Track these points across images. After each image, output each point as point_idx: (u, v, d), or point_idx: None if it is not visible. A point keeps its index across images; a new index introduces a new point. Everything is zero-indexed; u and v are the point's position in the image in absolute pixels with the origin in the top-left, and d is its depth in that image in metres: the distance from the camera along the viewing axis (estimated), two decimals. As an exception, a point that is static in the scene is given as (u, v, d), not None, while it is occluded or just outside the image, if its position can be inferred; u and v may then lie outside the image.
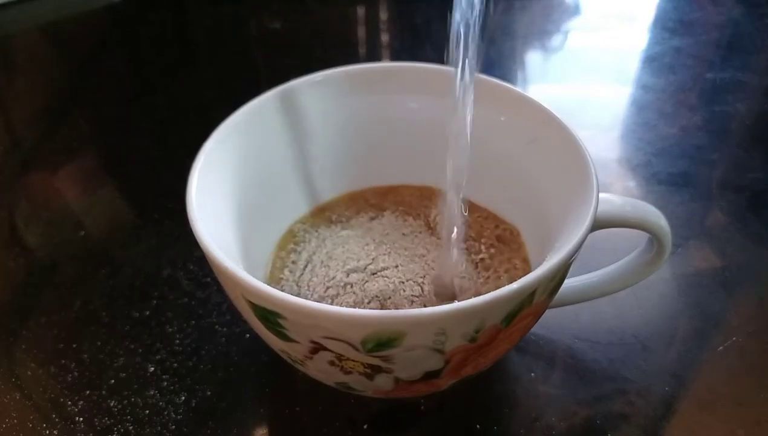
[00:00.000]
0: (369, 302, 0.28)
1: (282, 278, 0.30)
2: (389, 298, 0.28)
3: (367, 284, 0.28)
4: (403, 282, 0.29)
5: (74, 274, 0.36)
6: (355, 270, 0.29)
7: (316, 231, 0.32)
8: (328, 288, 0.28)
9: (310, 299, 0.28)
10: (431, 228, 0.32)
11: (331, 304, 0.28)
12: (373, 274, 0.29)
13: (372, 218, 0.33)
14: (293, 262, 0.31)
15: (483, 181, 0.33)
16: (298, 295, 0.29)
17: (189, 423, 0.28)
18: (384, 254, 0.30)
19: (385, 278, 0.29)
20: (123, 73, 0.60)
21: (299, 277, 0.30)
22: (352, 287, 0.28)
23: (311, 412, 0.29)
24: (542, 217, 0.29)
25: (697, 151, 0.45)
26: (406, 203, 0.34)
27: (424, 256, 0.30)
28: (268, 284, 0.21)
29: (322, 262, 0.30)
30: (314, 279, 0.29)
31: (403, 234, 0.31)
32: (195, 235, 0.23)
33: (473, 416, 0.28)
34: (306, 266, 0.30)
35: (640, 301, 0.33)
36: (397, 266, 0.29)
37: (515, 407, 0.29)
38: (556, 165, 0.28)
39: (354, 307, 0.27)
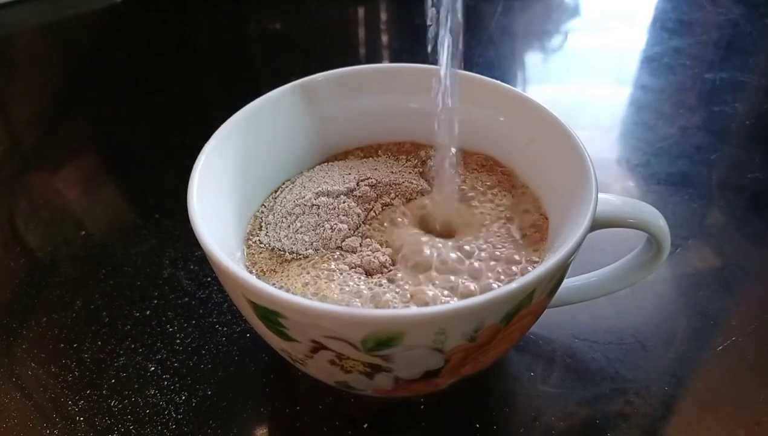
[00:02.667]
0: (331, 229, 0.28)
1: (267, 199, 0.30)
2: (357, 229, 0.28)
3: (333, 209, 0.28)
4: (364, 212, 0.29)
5: (74, 274, 0.36)
6: (325, 194, 0.29)
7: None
8: (296, 206, 0.29)
9: (277, 215, 0.28)
10: (423, 171, 0.32)
11: (294, 221, 0.28)
12: (343, 202, 0.29)
13: (365, 156, 0.33)
14: (280, 188, 0.31)
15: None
16: (271, 209, 0.29)
17: (189, 423, 0.28)
18: (367, 186, 0.30)
19: (350, 205, 0.29)
20: (123, 73, 0.60)
21: (278, 194, 0.30)
22: (318, 208, 0.28)
23: (311, 412, 0.29)
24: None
25: (696, 151, 0.45)
26: (403, 151, 0.34)
27: (405, 185, 0.30)
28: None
29: (302, 183, 0.30)
30: (287, 196, 0.30)
31: (392, 172, 0.31)
32: (196, 234, 0.23)
33: (473, 416, 0.29)
34: (288, 187, 0.31)
35: (639, 301, 0.34)
36: (370, 196, 0.29)
37: (515, 407, 0.29)
38: (555, 165, 0.28)
39: (314, 228, 0.28)
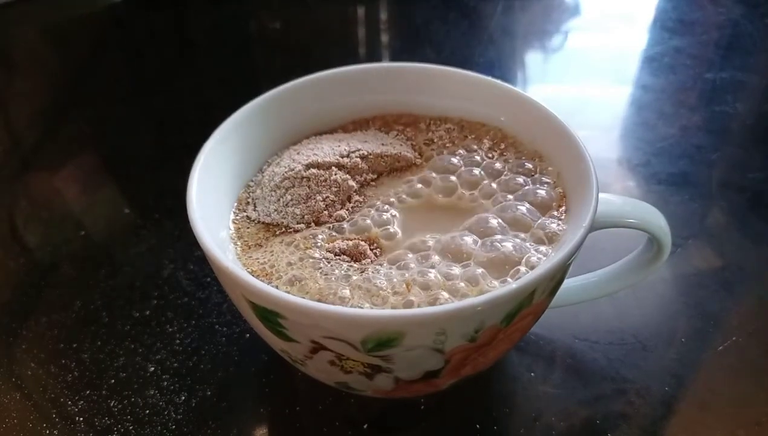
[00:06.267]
0: (323, 201, 0.27)
1: (255, 175, 0.30)
2: (348, 201, 0.28)
3: (324, 181, 0.28)
4: (354, 182, 0.28)
5: (74, 274, 0.36)
6: (315, 165, 0.28)
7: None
8: (285, 179, 0.28)
9: (265, 188, 0.28)
10: (415, 143, 0.32)
11: (284, 194, 0.27)
12: (334, 174, 0.28)
13: (356, 129, 0.33)
14: (267, 162, 0.31)
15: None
16: (259, 184, 0.29)
17: (189, 423, 0.28)
18: (358, 157, 0.29)
19: (342, 177, 0.28)
20: (123, 73, 0.60)
21: (267, 168, 0.30)
22: (309, 180, 0.27)
23: (311, 412, 0.29)
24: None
25: (696, 151, 0.45)
26: (400, 122, 0.33)
27: (396, 158, 0.30)
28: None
29: (290, 156, 0.29)
30: (276, 170, 0.29)
31: (382, 144, 0.30)
32: (195, 235, 0.23)
33: (473, 416, 0.29)
34: (275, 161, 0.30)
35: (640, 301, 0.33)
36: (362, 168, 0.29)
37: (515, 407, 0.29)
38: (555, 165, 0.28)
39: (305, 201, 0.27)
